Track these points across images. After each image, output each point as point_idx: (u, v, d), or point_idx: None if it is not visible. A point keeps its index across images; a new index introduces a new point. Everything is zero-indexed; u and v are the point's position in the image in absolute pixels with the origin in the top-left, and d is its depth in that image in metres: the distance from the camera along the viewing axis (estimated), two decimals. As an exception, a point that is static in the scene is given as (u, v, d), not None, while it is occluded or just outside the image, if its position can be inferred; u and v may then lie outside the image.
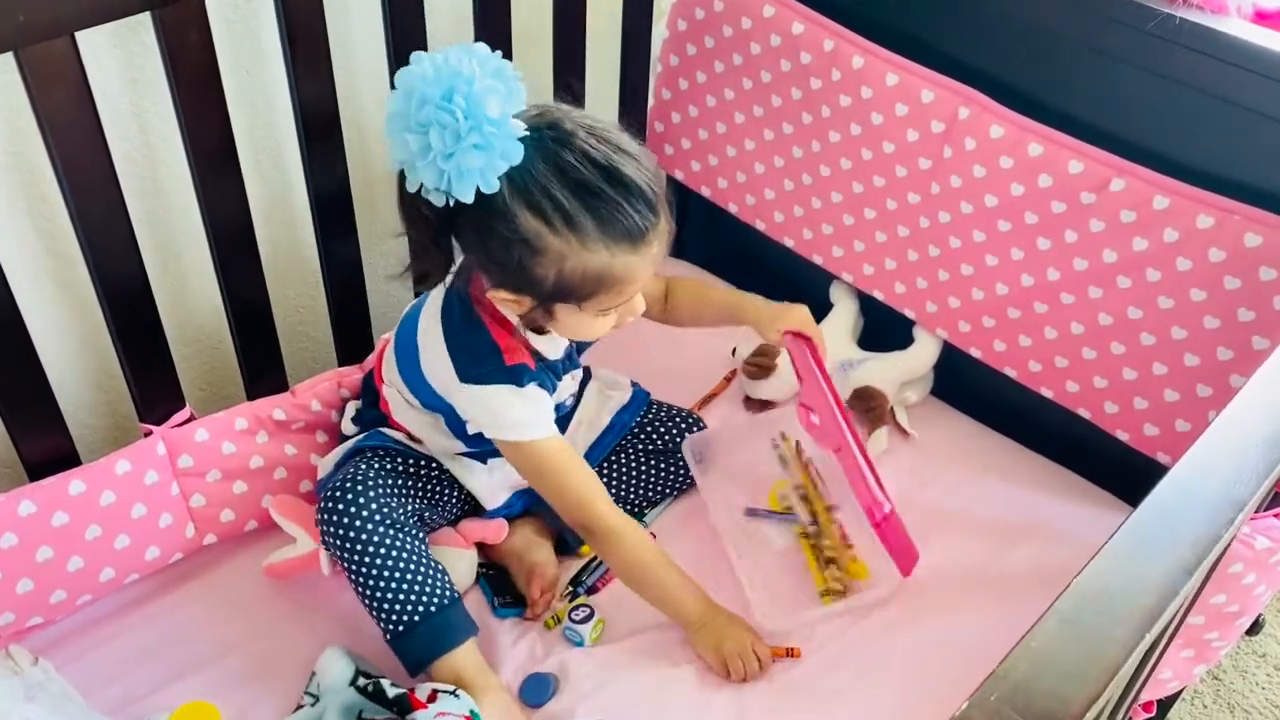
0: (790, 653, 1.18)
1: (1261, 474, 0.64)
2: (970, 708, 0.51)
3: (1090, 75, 1.21)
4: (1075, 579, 0.57)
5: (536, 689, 1.14)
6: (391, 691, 1.06)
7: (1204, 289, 1.15)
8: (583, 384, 1.33)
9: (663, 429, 1.34)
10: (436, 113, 0.92)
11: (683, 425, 1.35)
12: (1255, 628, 1.64)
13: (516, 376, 1.10)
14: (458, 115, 0.91)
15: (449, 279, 1.12)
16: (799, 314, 1.26)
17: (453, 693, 1.07)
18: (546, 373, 1.15)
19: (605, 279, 1.01)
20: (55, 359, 1.23)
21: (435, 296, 1.15)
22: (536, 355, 1.13)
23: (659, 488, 1.33)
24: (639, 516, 1.32)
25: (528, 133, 0.96)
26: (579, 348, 1.23)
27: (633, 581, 1.17)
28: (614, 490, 1.30)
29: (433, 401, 1.17)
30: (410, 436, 1.22)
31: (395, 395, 1.21)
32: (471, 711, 1.06)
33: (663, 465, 1.33)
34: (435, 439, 1.22)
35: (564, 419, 1.27)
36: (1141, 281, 1.19)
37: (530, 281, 1.01)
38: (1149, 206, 1.16)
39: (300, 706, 1.11)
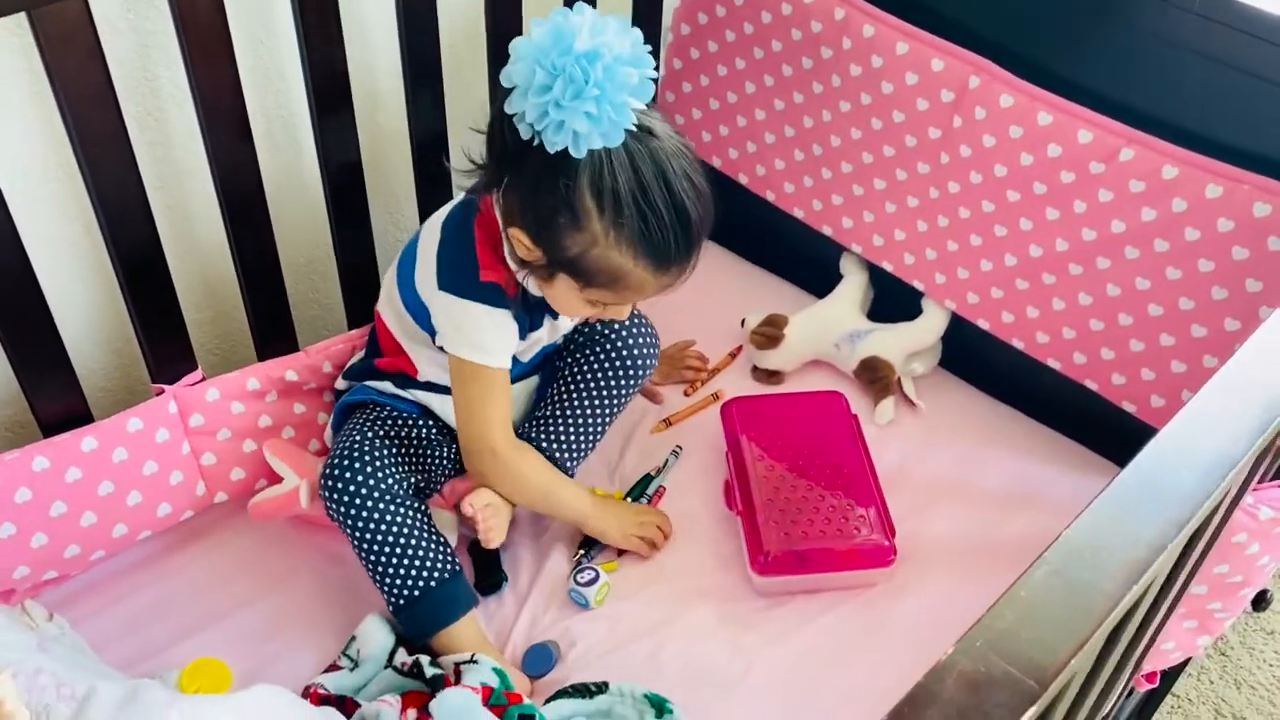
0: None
1: (1254, 433, 0.65)
2: (957, 653, 0.51)
3: (1101, 43, 1.20)
4: (1064, 531, 0.58)
5: (538, 660, 1.15)
6: (429, 671, 1.08)
7: (1212, 259, 1.15)
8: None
9: (586, 326, 1.30)
10: (573, 65, 0.94)
11: (620, 325, 1.30)
12: (1262, 603, 1.64)
13: (491, 296, 1.12)
14: (590, 78, 0.94)
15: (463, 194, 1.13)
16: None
17: (471, 659, 1.09)
18: (523, 310, 1.16)
19: (618, 280, 1.05)
20: (71, 321, 1.25)
21: (447, 206, 1.17)
22: (523, 289, 1.14)
23: (599, 383, 1.28)
24: (594, 424, 1.29)
25: (636, 128, 0.99)
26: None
27: (535, 498, 1.23)
28: (558, 406, 1.27)
29: (417, 309, 1.18)
30: (397, 382, 1.23)
31: (389, 311, 1.22)
32: (495, 669, 1.08)
33: (593, 354, 1.29)
34: (426, 367, 1.22)
35: (518, 376, 1.27)
36: (1150, 252, 1.19)
37: (554, 243, 1.04)
38: (1158, 176, 1.15)
39: (336, 666, 1.13)
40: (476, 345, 1.13)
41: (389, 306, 1.23)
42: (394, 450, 1.17)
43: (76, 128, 1.00)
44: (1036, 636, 0.52)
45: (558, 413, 1.27)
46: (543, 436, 1.26)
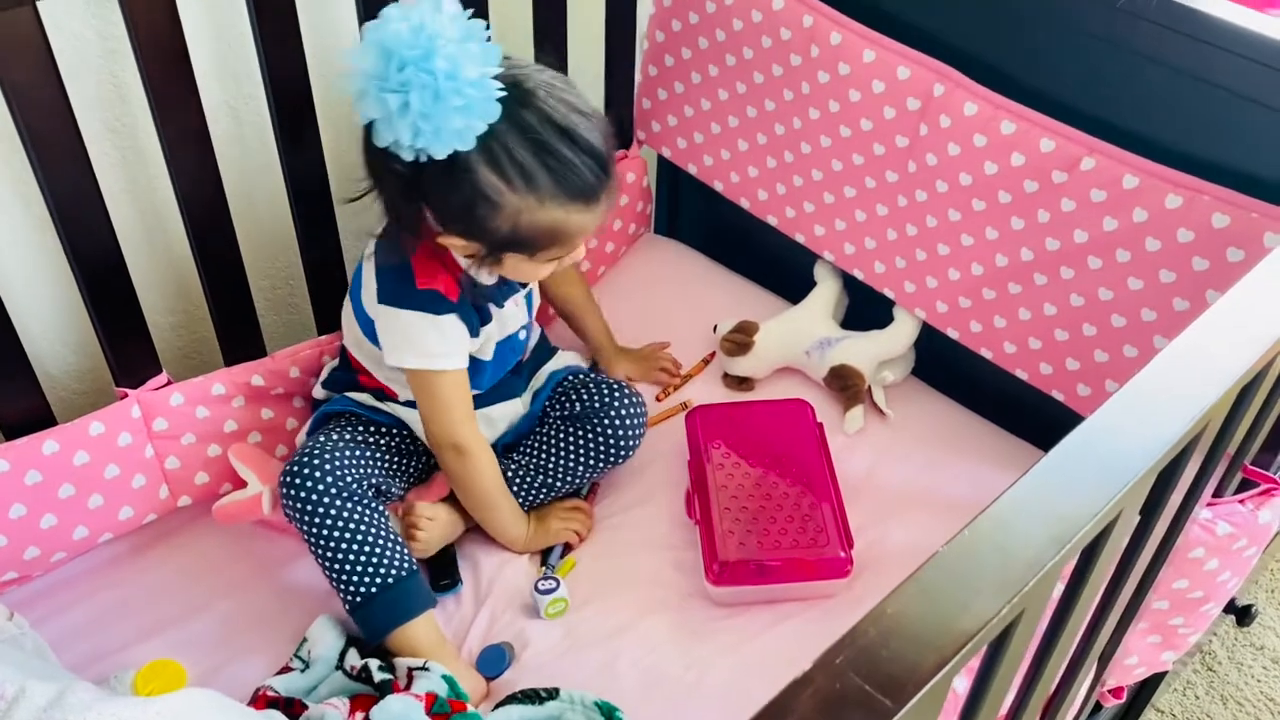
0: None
1: (1156, 449, 0.64)
2: (814, 669, 0.51)
3: (1063, 52, 1.19)
4: (942, 546, 0.57)
5: (491, 661, 1.15)
6: (378, 676, 1.08)
7: (1173, 270, 1.13)
8: (549, 354, 1.34)
9: (585, 395, 1.30)
10: (418, 75, 0.93)
11: (609, 394, 1.29)
12: (1247, 617, 1.61)
13: (431, 304, 1.12)
14: (439, 77, 0.93)
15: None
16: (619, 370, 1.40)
17: (423, 666, 1.09)
18: (470, 308, 1.16)
19: (558, 234, 1.06)
20: (37, 325, 1.26)
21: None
22: (466, 281, 1.14)
23: (580, 455, 1.28)
24: (571, 489, 1.31)
25: (505, 92, 0.98)
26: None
27: (479, 502, 1.23)
28: (537, 459, 1.28)
29: (367, 327, 1.19)
30: (376, 395, 1.24)
31: (351, 339, 1.24)
32: (444, 677, 1.08)
33: (583, 430, 1.28)
34: (401, 388, 1.23)
35: (518, 348, 1.27)
36: (1112, 262, 1.17)
37: (485, 232, 1.05)
38: (1119, 186, 1.14)
39: (288, 669, 1.14)
40: (422, 352, 1.14)
41: (350, 335, 1.24)
42: (358, 453, 1.18)
43: (30, 136, 1.01)
44: (896, 654, 0.51)
45: (531, 462, 1.28)
46: (507, 465, 1.27)
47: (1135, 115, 1.16)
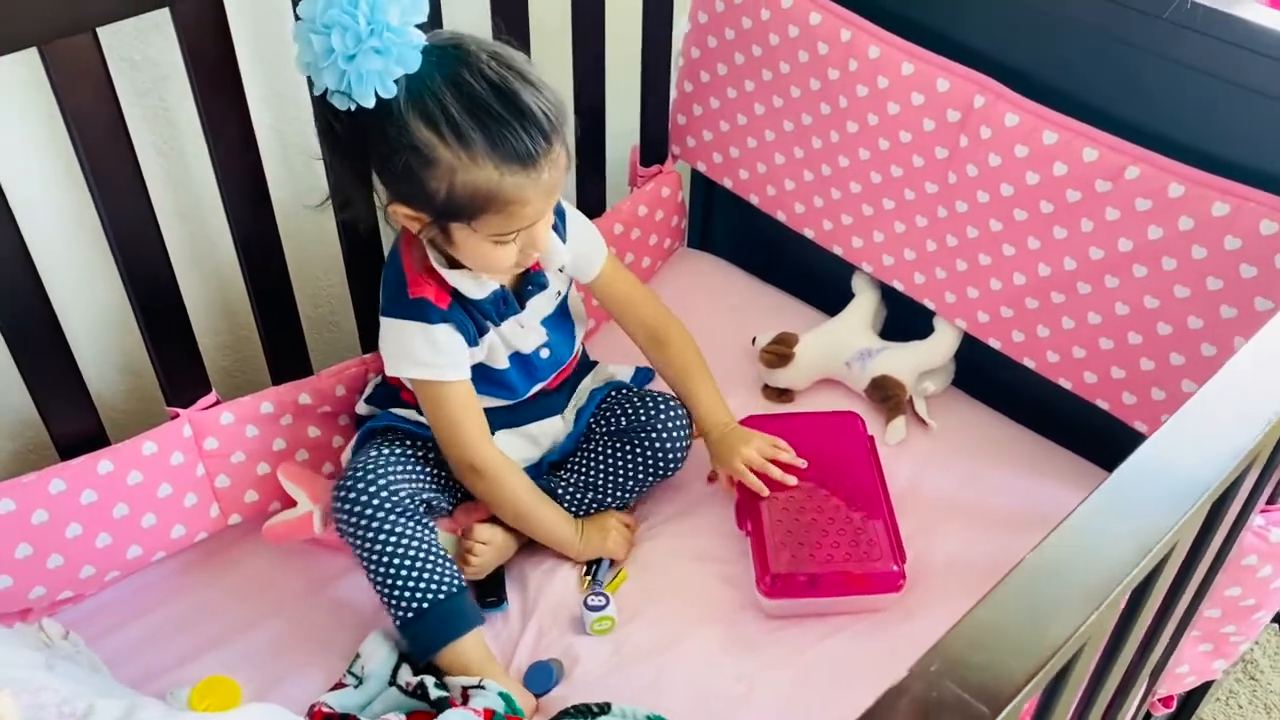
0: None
1: (1233, 454, 0.64)
2: (910, 677, 0.51)
3: (1105, 61, 1.20)
4: (1028, 555, 0.57)
5: (539, 678, 1.15)
6: (434, 694, 1.08)
7: (1220, 277, 1.13)
8: (588, 369, 1.35)
9: (630, 409, 1.30)
10: (340, 15, 0.96)
11: (655, 407, 1.29)
12: (1291, 625, 1.61)
13: (422, 312, 1.13)
14: (360, 19, 0.96)
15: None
16: (737, 463, 1.26)
17: (478, 685, 1.09)
18: (465, 315, 1.16)
19: (495, 198, 1.04)
20: (87, 346, 1.28)
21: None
22: (456, 294, 1.15)
23: (630, 469, 1.28)
24: (620, 504, 1.31)
25: (427, 44, 1.00)
26: (521, 294, 1.21)
27: (515, 518, 1.23)
28: (587, 476, 1.28)
29: None
30: (420, 410, 1.25)
31: (384, 356, 1.23)
32: (501, 694, 1.08)
33: (631, 445, 1.28)
34: None
35: (541, 366, 1.26)
36: (1158, 270, 1.18)
37: (424, 194, 1.05)
38: (1164, 194, 1.14)
39: (341, 684, 1.14)
40: (417, 362, 1.15)
41: (383, 350, 1.24)
42: (409, 468, 1.19)
43: (89, 159, 1.03)
44: (988, 661, 0.51)
45: (580, 479, 1.29)
46: (556, 480, 1.28)
47: (1179, 124, 1.16)
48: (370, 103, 0.99)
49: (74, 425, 1.15)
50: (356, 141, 1.06)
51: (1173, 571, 0.73)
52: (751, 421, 1.35)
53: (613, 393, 1.34)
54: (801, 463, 1.28)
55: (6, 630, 1.04)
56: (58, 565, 1.13)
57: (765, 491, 1.26)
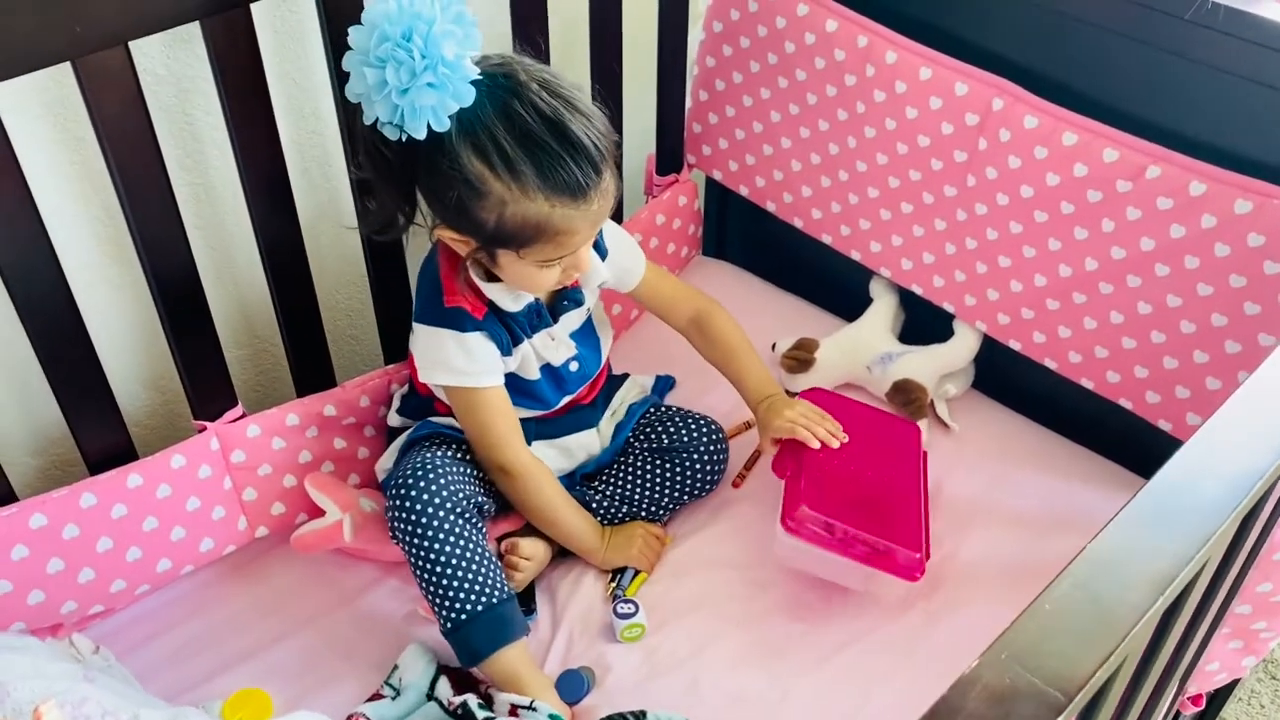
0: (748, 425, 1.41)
1: (1274, 455, 0.64)
2: (981, 666, 0.52)
3: (1123, 62, 1.21)
4: (1088, 544, 0.58)
5: (570, 686, 1.15)
6: (480, 715, 1.07)
7: (1243, 274, 1.14)
8: (618, 382, 1.35)
9: (672, 428, 1.32)
10: (394, 50, 0.96)
11: (696, 429, 1.32)
12: (1313, 624, 1.60)
13: (457, 321, 1.14)
14: (415, 54, 0.96)
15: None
16: (781, 423, 1.24)
17: (530, 706, 1.08)
18: (499, 325, 1.17)
19: (544, 229, 1.04)
20: (115, 361, 1.28)
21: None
22: (492, 305, 1.16)
23: (667, 488, 1.31)
24: (652, 518, 1.31)
25: (480, 77, 1.00)
26: (555, 308, 1.22)
27: (542, 520, 1.24)
28: (622, 490, 1.29)
29: None
30: (454, 417, 1.25)
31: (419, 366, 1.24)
32: (551, 716, 1.07)
33: (670, 464, 1.30)
34: None
35: (570, 379, 1.26)
36: (1180, 269, 1.18)
37: (473, 223, 1.05)
38: (1185, 193, 1.15)
39: (379, 695, 1.14)
40: (451, 369, 1.16)
41: (416, 357, 1.24)
42: (462, 470, 1.18)
43: (119, 172, 1.03)
44: (1060, 648, 0.52)
45: (616, 491, 1.30)
46: (590, 491, 1.29)
47: (1200, 122, 1.17)
48: (422, 135, 0.99)
49: (104, 440, 1.15)
50: (405, 168, 1.06)
51: (1211, 570, 0.73)
52: (814, 394, 1.33)
53: (653, 409, 1.35)
54: (845, 437, 1.26)
55: (41, 644, 1.04)
56: (89, 579, 1.13)
57: (814, 442, 1.23)
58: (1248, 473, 0.62)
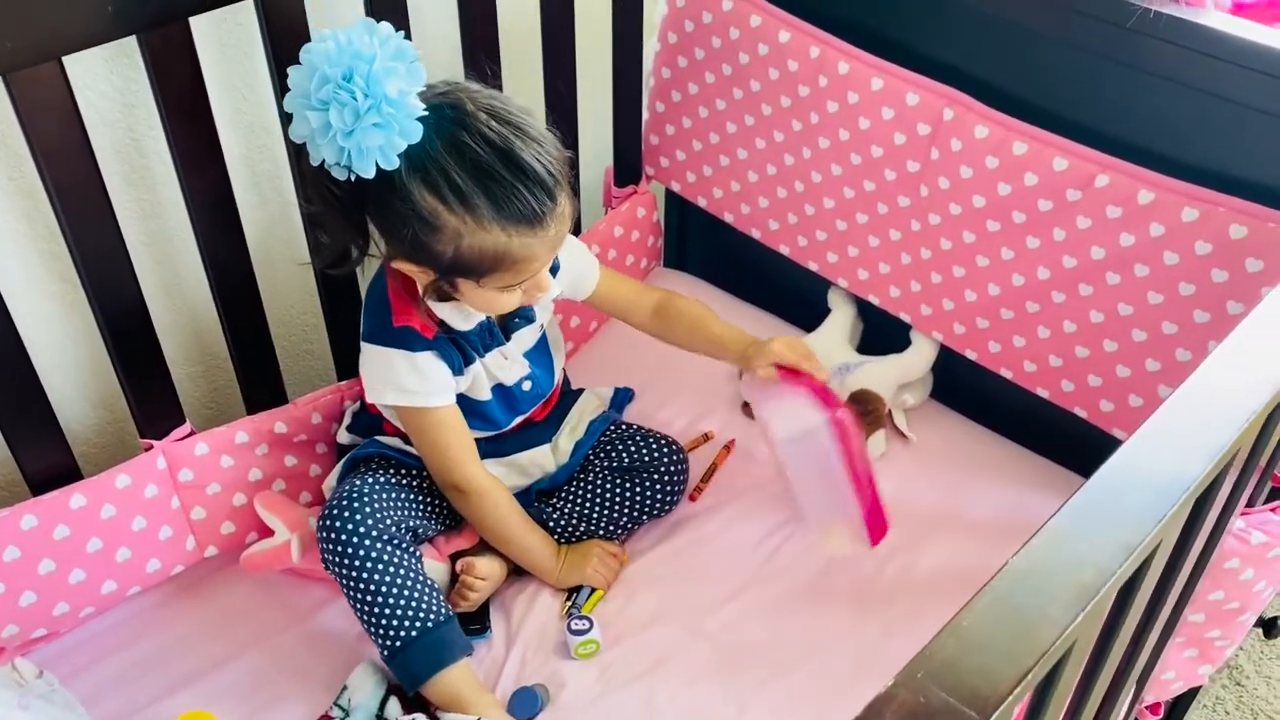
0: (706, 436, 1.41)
1: (1212, 453, 0.64)
2: (896, 685, 0.51)
3: (1071, 72, 1.21)
4: (1010, 559, 0.57)
5: (524, 704, 1.14)
6: None
7: (1192, 283, 1.14)
8: (573, 398, 1.34)
9: (633, 447, 1.31)
10: (336, 91, 0.95)
11: (657, 448, 1.31)
12: (1275, 630, 1.61)
13: (407, 341, 1.12)
14: (357, 95, 0.94)
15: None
16: (776, 347, 1.22)
17: None
18: (450, 345, 1.16)
19: (503, 259, 1.03)
20: (59, 379, 1.26)
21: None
22: (443, 324, 1.15)
23: (627, 507, 1.30)
24: (610, 536, 1.30)
25: (426, 112, 0.99)
26: (506, 326, 1.21)
27: (498, 539, 1.23)
28: (580, 508, 1.29)
29: None
30: (405, 439, 1.24)
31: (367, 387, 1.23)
32: None
33: (630, 483, 1.30)
34: None
35: (523, 398, 1.26)
36: (1131, 277, 1.18)
37: (430, 255, 1.04)
38: (1134, 202, 1.15)
39: (328, 717, 1.12)
40: (403, 390, 1.14)
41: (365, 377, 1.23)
42: (395, 496, 1.18)
43: (56, 190, 1.02)
44: (978, 665, 0.51)
45: (574, 509, 1.29)
46: (549, 509, 1.28)
47: (1147, 131, 1.17)
48: (371, 174, 0.98)
49: (45, 460, 1.13)
50: (356, 206, 1.05)
51: (1157, 572, 0.73)
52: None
53: (613, 427, 1.34)
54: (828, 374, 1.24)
55: (-22, 671, 1.02)
56: (31, 602, 1.11)
57: (813, 359, 1.21)
58: (1175, 482, 0.62)
